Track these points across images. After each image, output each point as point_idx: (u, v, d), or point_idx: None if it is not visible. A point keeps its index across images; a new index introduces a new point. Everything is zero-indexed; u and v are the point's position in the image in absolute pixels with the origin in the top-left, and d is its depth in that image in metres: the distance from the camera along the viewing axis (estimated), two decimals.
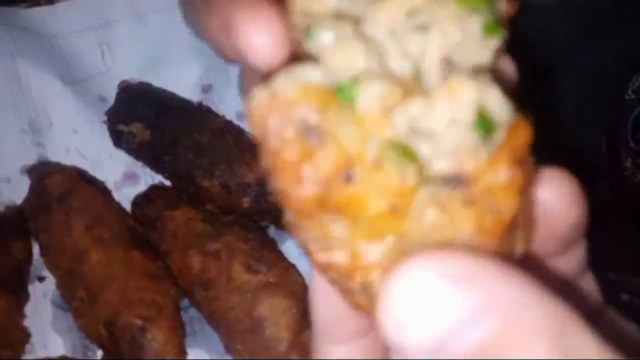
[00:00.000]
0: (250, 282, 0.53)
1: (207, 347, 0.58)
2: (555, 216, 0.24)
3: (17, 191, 0.58)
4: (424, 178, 0.18)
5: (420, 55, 0.21)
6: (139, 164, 0.62)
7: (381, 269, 0.19)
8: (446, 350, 0.16)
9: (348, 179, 0.18)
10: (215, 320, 0.54)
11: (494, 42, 0.21)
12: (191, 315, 0.58)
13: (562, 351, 0.16)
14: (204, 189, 0.57)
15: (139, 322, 0.50)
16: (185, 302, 0.57)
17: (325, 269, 0.20)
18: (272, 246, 0.57)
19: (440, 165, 0.18)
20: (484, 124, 0.19)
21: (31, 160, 0.59)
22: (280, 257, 0.56)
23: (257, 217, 0.58)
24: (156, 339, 0.50)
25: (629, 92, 0.88)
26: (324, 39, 0.20)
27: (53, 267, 0.53)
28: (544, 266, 0.28)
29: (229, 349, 0.55)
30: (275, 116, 0.18)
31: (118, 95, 0.59)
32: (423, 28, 0.21)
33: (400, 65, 0.20)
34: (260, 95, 0.19)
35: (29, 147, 0.59)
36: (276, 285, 0.53)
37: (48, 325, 0.56)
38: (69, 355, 0.55)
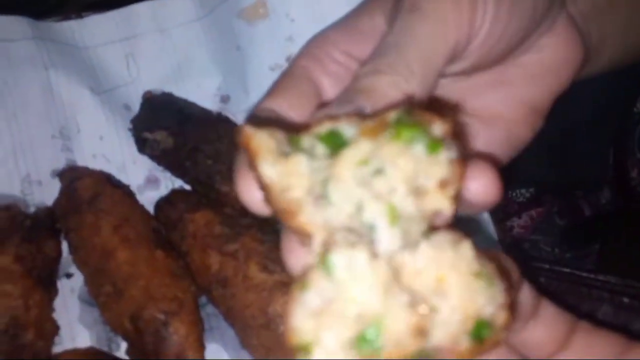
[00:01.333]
0: (266, 281, 0.56)
1: (223, 342, 0.61)
2: None
3: (48, 193, 0.62)
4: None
5: (390, 192, 0.25)
6: (160, 168, 0.65)
7: None
8: None
9: None
10: (232, 316, 0.58)
11: (443, 156, 0.25)
12: (208, 311, 0.62)
13: None
14: (222, 194, 0.60)
15: (161, 316, 0.53)
16: (203, 299, 0.61)
17: None
18: None
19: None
20: (480, 331, 0.25)
21: (60, 164, 0.63)
22: None
23: (273, 221, 0.62)
24: (178, 332, 0.53)
25: (638, 105, 0.91)
26: (342, 274, 0.25)
27: (82, 265, 0.57)
28: None
29: (244, 344, 0.58)
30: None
31: (142, 104, 0.63)
32: (380, 171, 0.25)
33: (390, 242, 0.25)
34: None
35: (58, 152, 0.63)
36: (290, 284, 0.57)
37: (75, 319, 0.60)
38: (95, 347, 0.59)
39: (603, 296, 0.60)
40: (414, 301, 0.24)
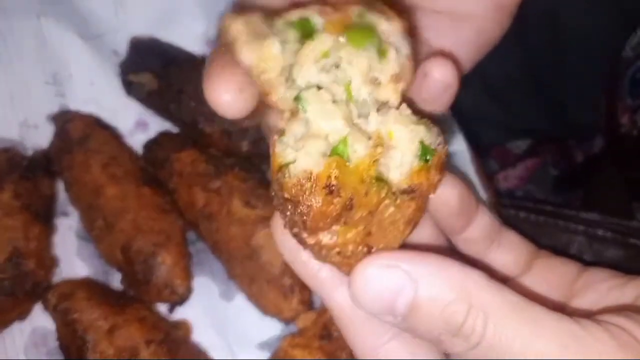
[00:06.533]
0: (249, 215, 0.59)
1: (212, 275, 0.64)
2: (442, 204, 0.37)
3: (44, 137, 0.65)
4: (390, 191, 0.29)
5: (347, 81, 0.30)
6: (149, 113, 0.68)
7: (355, 244, 0.30)
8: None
9: (350, 207, 0.29)
10: (218, 249, 0.61)
11: (392, 57, 0.30)
12: (198, 247, 0.65)
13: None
14: (206, 135, 0.63)
15: (150, 247, 0.57)
16: (192, 236, 0.64)
17: (310, 245, 0.30)
18: (268, 186, 0.63)
19: (401, 185, 0.29)
20: (425, 152, 0.30)
21: (55, 109, 0.66)
22: None
23: (256, 160, 0.64)
24: (165, 261, 0.57)
25: (627, 49, 0.90)
26: (312, 109, 0.29)
27: (76, 201, 0.60)
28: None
29: (230, 274, 0.61)
30: (313, 195, 0.29)
31: (129, 49, 0.65)
32: (338, 65, 0.30)
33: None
34: (301, 178, 0.29)
35: (52, 97, 0.66)
36: (271, 218, 0.59)
37: (73, 254, 0.63)
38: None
39: (578, 229, 0.62)
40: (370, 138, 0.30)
